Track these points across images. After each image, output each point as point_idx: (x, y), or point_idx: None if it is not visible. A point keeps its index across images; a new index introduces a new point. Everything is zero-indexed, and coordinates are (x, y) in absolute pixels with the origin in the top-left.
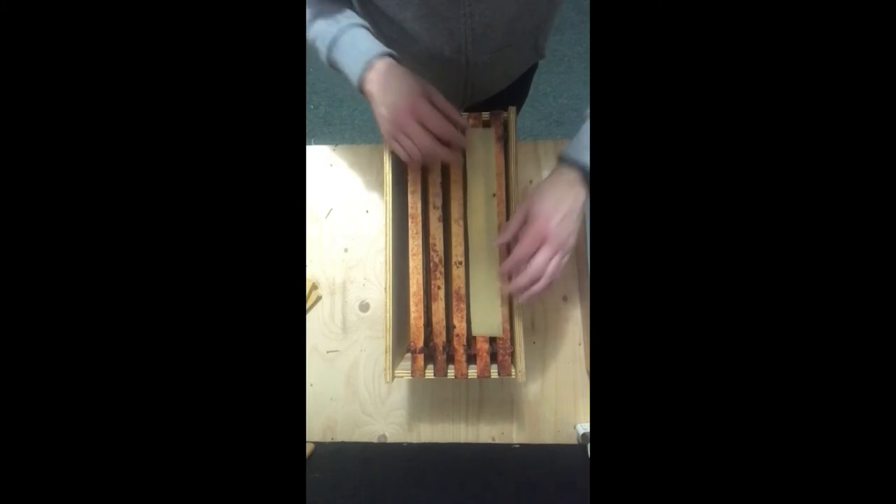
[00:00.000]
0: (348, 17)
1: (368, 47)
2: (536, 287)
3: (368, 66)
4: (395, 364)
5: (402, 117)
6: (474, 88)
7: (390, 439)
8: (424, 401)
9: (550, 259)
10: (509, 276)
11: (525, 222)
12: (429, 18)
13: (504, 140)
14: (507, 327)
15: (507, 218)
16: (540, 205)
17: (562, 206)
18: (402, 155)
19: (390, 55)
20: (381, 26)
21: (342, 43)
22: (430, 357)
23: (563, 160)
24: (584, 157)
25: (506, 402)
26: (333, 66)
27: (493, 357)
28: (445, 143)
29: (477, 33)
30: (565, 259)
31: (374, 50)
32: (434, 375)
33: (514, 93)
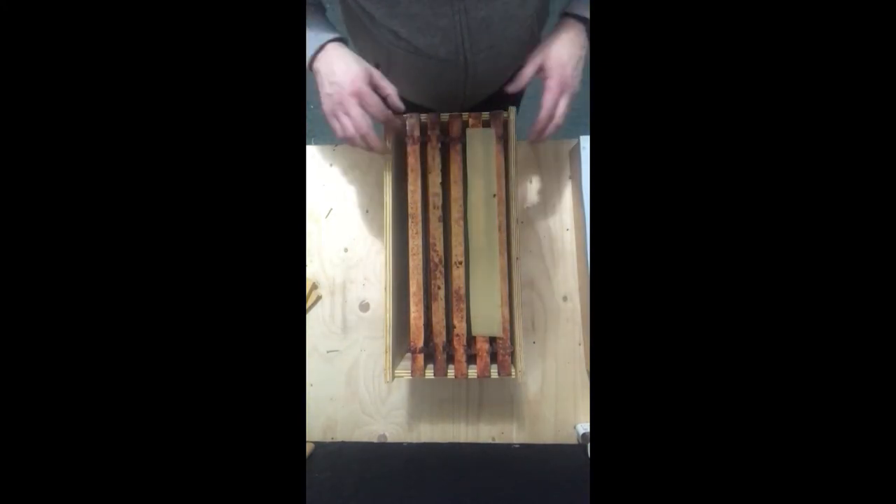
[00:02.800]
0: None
1: (324, 35)
2: (551, 127)
3: (321, 48)
4: (395, 364)
5: (344, 96)
6: (475, 87)
7: (390, 439)
8: (424, 401)
9: (566, 104)
10: (542, 127)
11: (539, 71)
12: (420, 20)
13: (504, 140)
14: (507, 327)
15: (507, 218)
16: (556, 58)
17: (573, 58)
18: (338, 131)
19: (341, 40)
20: (374, 35)
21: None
22: (430, 357)
23: (568, 15)
24: (586, 11)
25: (506, 402)
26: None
27: (493, 357)
28: (382, 122)
29: (473, 30)
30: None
31: (328, 35)
32: (434, 375)
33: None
